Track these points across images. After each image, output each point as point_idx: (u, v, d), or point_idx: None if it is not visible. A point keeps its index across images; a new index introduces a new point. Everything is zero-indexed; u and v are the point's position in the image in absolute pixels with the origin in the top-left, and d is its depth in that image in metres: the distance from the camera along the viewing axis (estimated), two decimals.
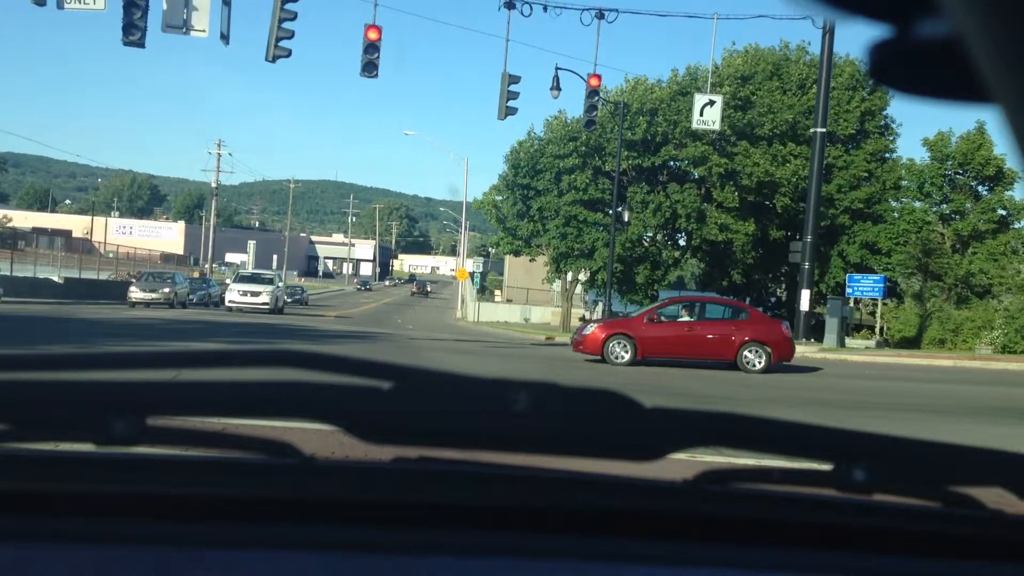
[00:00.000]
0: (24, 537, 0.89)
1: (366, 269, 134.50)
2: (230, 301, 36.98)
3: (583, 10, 24.19)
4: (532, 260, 42.96)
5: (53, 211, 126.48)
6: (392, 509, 0.97)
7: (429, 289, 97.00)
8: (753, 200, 36.77)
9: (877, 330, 33.38)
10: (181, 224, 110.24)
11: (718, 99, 27.23)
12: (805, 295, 28.00)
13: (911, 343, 31.59)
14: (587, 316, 43.75)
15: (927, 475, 1.09)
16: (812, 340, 27.82)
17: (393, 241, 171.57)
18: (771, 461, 1.26)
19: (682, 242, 40.11)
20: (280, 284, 40.74)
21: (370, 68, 21.53)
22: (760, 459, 3.18)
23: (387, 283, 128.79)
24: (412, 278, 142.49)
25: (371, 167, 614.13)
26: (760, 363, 18.16)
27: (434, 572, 0.89)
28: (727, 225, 35.83)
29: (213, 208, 69.78)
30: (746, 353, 18.22)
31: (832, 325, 28.45)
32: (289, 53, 20.39)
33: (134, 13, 19.45)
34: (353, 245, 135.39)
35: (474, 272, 54.52)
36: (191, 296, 40.04)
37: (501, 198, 40.76)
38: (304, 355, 0.98)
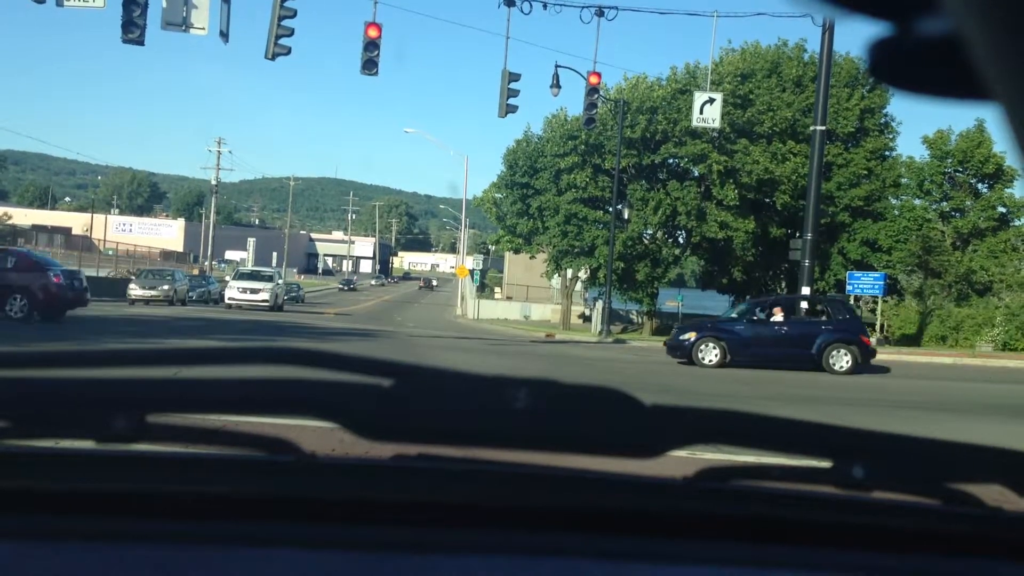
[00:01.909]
0: (24, 536, 0.89)
1: (366, 266, 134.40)
2: (230, 298, 36.98)
3: (583, 7, 24.15)
4: (532, 257, 42.94)
5: (53, 208, 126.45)
6: (392, 507, 0.97)
7: (435, 283, 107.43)
8: (753, 198, 36.76)
9: (877, 328, 33.37)
10: (181, 221, 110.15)
11: (718, 97, 27.20)
12: (805, 293, 27.98)
13: (911, 340, 31.60)
14: (587, 313, 43.74)
15: (926, 472, 1.09)
16: None
17: (393, 238, 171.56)
18: (770, 458, 1.26)
19: (682, 239, 40.09)
20: (280, 281, 40.78)
21: (370, 65, 21.51)
22: (759, 456, 3.18)
23: (372, 282, 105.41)
24: (406, 276, 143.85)
25: (371, 165, 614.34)
26: (23, 312, 18.10)
27: (434, 570, 0.89)
28: (727, 223, 35.82)
29: (213, 205, 69.75)
30: (10, 303, 18.10)
31: None
32: (289, 51, 20.37)
33: (133, 11, 19.42)
34: (353, 242, 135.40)
35: (474, 269, 54.44)
36: (191, 293, 40.06)
37: (500, 195, 40.76)
38: (304, 352, 0.98)
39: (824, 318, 19.70)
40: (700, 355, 18.24)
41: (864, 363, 18.40)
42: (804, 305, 21.13)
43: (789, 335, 18.64)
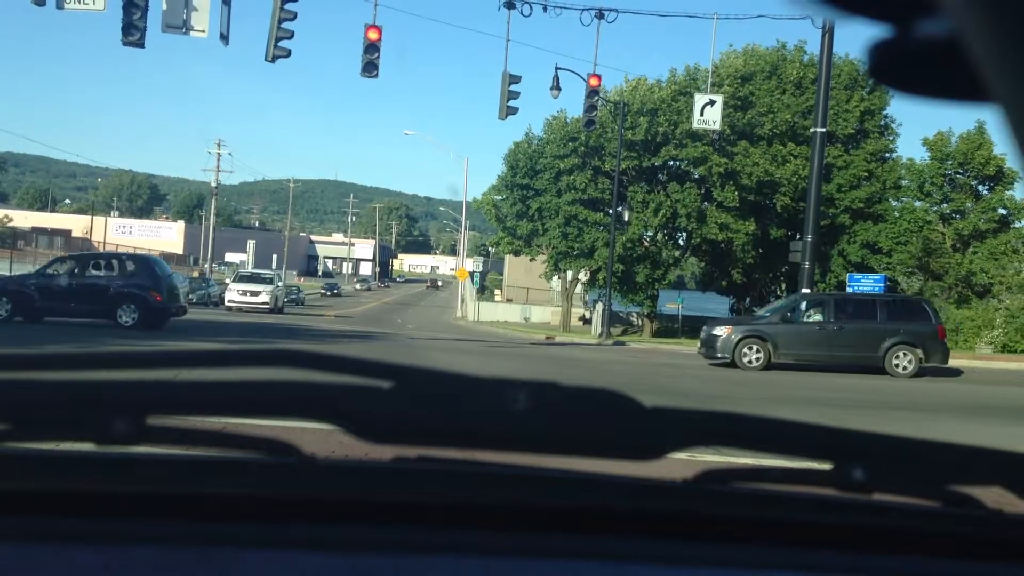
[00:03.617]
0: (24, 537, 0.89)
1: (366, 269, 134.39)
2: (230, 300, 37.00)
3: (583, 10, 24.16)
4: (532, 259, 42.93)
5: (53, 211, 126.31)
6: (392, 509, 0.97)
7: (440, 284, 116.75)
8: (753, 200, 36.75)
9: None
10: (181, 224, 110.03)
11: (718, 99, 27.20)
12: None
13: None
14: (587, 316, 43.72)
15: (927, 474, 1.09)
16: None
17: (393, 240, 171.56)
18: (771, 461, 1.26)
19: (682, 241, 40.08)
20: (280, 284, 40.79)
21: (370, 68, 21.52)
22: (760, 459, 3.18)
23: (357, 285, 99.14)
24: (400, 278, 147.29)
25: (371, 167, 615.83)
26: None
27: (434, 572, 0.89)
28: (727, 224, 35.81)
29: (213, 208, 69.67)
30: None
31: None
32: (289, 53, 20.38)
33: (133, 13, 19.43)
34: (353, 245, 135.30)
35: (474, 271, 54.38)
36: (190, 296, 40.04)
37: (500, 197, 40.74)
38: (304, 355, 0.98)
39: (119, 273, 19.77)
40: None
41: (163, 318, 19.28)
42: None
43: (79, 290, 19.12)
